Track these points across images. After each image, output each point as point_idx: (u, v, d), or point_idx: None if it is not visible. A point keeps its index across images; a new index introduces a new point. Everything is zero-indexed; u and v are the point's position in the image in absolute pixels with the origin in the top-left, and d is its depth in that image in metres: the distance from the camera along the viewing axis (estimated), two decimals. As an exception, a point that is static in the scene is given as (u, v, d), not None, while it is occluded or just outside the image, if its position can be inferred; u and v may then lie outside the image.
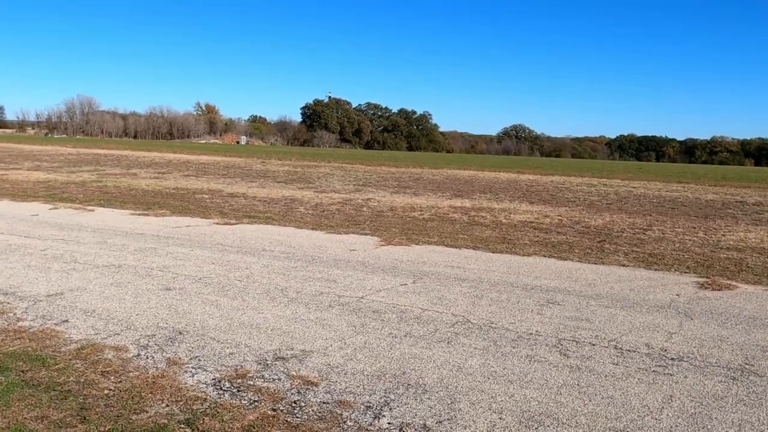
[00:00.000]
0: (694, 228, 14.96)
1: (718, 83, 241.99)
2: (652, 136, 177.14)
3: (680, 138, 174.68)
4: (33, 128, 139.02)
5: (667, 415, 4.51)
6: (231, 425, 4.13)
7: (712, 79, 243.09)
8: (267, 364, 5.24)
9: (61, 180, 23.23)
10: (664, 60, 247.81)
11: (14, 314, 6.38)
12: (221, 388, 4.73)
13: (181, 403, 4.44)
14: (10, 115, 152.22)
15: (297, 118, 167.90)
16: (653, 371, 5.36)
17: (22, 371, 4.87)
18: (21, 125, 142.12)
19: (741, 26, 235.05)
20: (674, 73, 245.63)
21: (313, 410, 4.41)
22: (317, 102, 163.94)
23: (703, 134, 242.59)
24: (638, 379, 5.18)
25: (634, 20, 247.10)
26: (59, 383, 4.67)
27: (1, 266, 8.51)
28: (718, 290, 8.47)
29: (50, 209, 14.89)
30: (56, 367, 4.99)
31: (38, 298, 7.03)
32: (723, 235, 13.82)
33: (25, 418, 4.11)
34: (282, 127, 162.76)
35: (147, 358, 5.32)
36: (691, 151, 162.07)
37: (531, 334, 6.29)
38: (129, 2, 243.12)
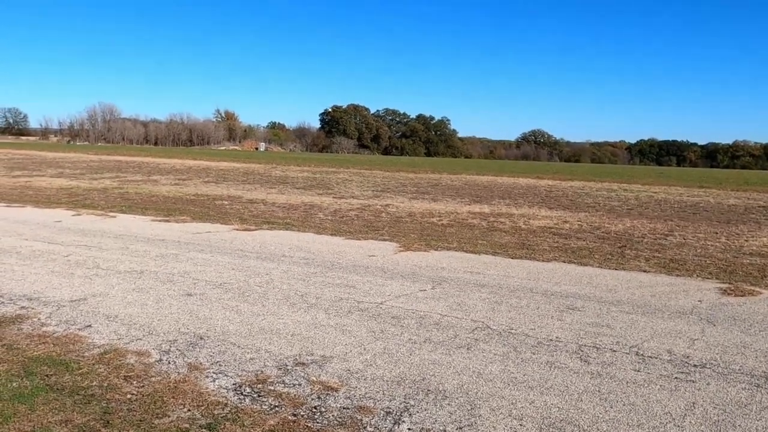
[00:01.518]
0: (716, 233, 14.79)
1: (740, 86, 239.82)
2: (672, 141, 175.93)
3: (701, 142, 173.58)
4: (56, 135, 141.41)
5: (690, 422, 4.46)
6: (252, 430, 4.16)
7: (733, 83, 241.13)
8: (287, 370, 5.26)
9: (83, 187, 23.52)
10: (685, 64, 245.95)
11: (38, 319, 6.47)
12: (242, 393, 4.76)
13: (203, 407, 4.47)
14: (33, 123, 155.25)
15: (315, 124, 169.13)
16: (675, 378, 5.31)
17: (47, 375, 4.94)
18: (44, 133, 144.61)
19: (763, 28, 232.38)
20: (695, 76, 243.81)
21: (333, 416, 4.42)
22: (336, 108, 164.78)
23: (724, 138, 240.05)
24: (660, 385, 5.13)
25: (654, 24, 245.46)
26: (83, 387, 4.73)
27: (25, 272, 8.64)
28: (741, 296, 8.37)
29: (73, 216, 15.08)
30: (80, 371, 5.05)
31: (62, 303, 7.12)
32: (746, 241, 13.65)
33: (49, 421, 4.17)
34: (301, 133, 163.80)
35: (169, 363, 5.36)
36: (712, 156, 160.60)
37: (551, 340, 6.25)
38: (149, 11, 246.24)
